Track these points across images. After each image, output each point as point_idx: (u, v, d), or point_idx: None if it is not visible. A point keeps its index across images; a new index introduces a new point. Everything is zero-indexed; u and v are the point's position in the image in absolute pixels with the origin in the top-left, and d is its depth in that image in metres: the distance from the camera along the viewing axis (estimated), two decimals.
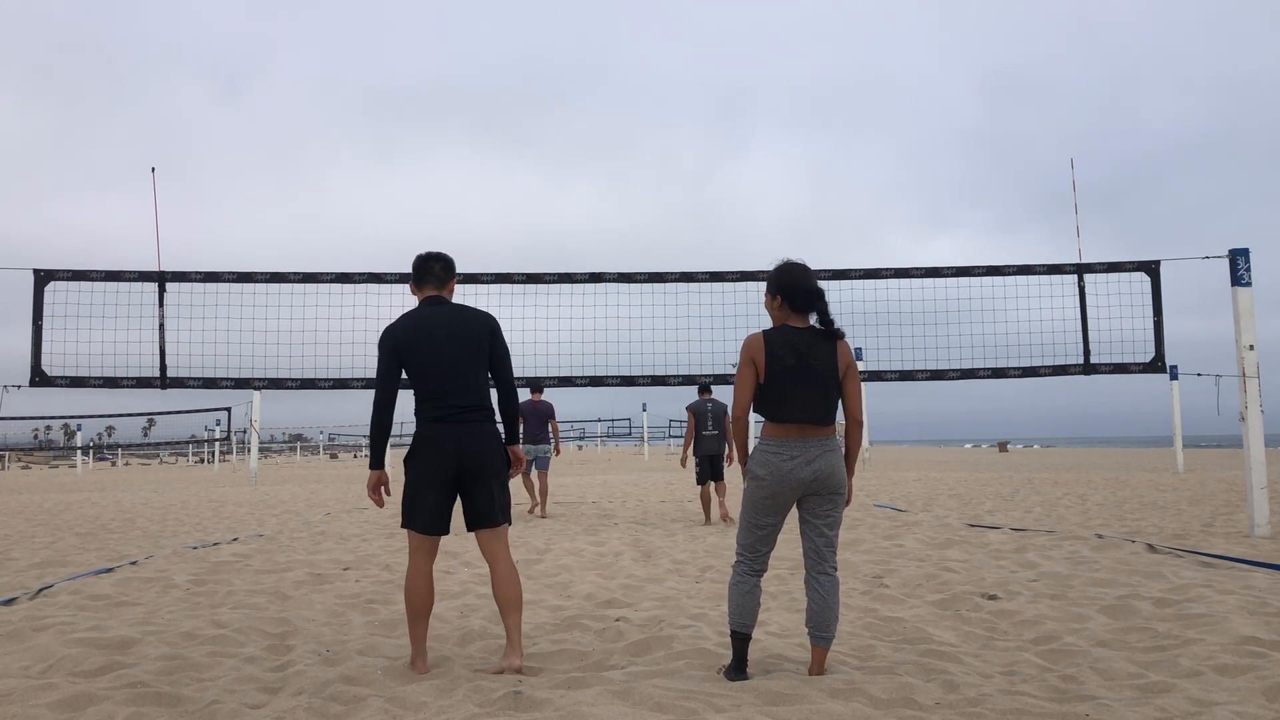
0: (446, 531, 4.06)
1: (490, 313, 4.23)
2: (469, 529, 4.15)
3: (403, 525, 4.10)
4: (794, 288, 3.91)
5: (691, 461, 11.07)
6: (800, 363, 3.81)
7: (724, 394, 13.20)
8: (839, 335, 3.91)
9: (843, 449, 3.92)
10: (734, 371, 3.99)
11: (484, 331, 4.13)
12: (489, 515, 4.07)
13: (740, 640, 3.91)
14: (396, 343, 4.08)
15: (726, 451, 10.89)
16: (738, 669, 3.88)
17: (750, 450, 3.98)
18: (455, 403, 4.02)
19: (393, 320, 4.21)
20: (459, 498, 4.13)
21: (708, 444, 10.88)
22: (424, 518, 4.03)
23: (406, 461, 4.09)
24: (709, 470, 10.90)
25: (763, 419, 3.96)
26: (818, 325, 3.93)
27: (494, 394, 4.22)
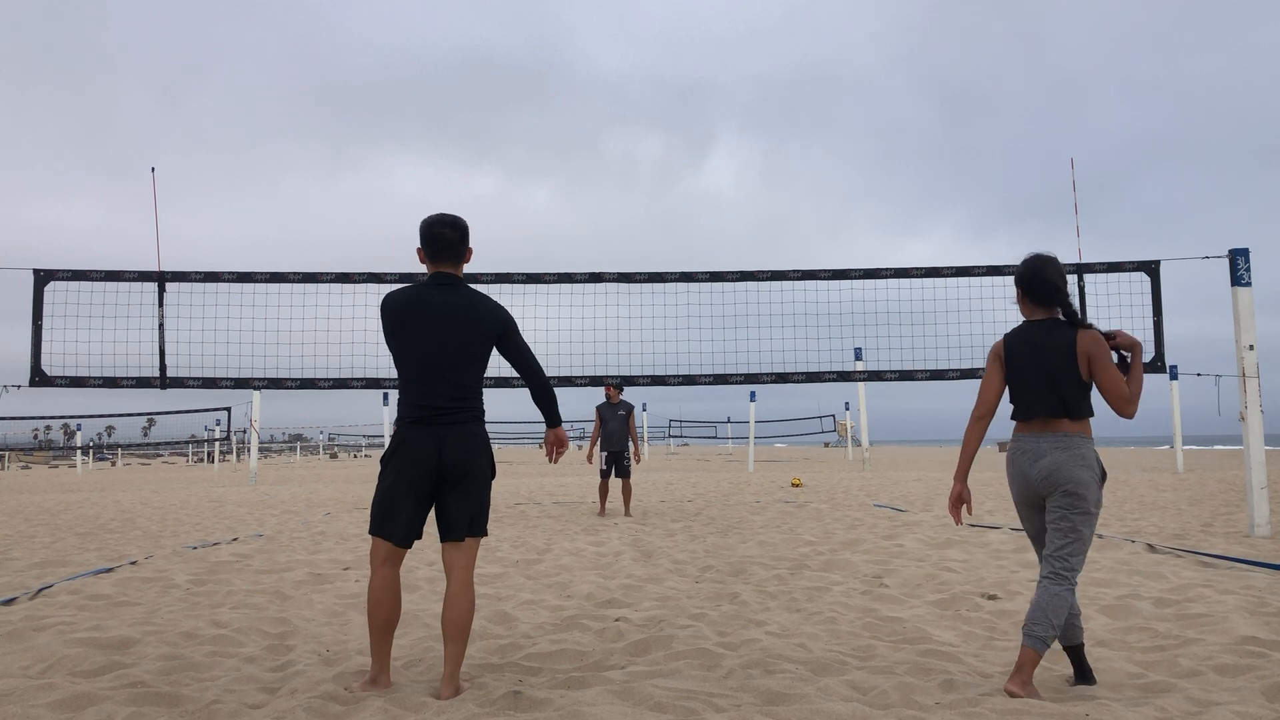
0: (420, 538, 3.80)
1: (505, 308, 3.90)
2: (441, 539, 3.81)
3: (371, 532, 3.77)
4: (1031, 279, 3.87)
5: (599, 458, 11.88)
6: (1034, 355, 3.79)
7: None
8: (1080, 324, 3.80)
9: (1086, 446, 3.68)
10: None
11: (492, 328, 3.80)
12: (456, 526, 3.73)
13: (1069, 652, 3.83)
14: (389, 318, 3.79)
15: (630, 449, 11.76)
16: (1080, 677, 3.82)
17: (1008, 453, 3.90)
18: (437, 403, 3.71)
19: (395, 289, 3.88)
20: (435, 505, 3.80)
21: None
22: (399, 528, 3.71)
23: (383, 462, 3.79)
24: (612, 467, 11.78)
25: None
26: (1061, 317, 3.86)
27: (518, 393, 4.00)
